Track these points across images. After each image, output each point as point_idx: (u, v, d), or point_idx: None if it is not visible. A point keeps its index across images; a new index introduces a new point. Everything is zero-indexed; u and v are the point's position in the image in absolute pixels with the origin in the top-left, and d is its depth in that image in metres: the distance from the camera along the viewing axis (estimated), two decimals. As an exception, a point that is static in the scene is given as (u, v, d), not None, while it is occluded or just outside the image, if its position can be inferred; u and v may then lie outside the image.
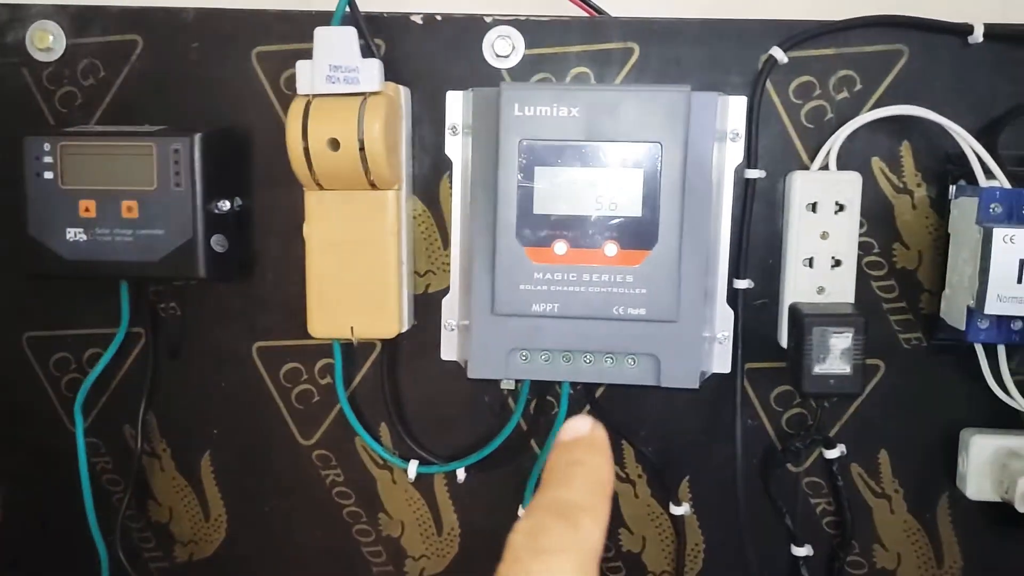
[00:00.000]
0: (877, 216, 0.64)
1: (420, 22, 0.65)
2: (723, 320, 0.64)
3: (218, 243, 0.64)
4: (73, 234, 0.64)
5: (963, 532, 0.67)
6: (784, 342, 0.64)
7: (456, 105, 0.62)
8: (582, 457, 0.30)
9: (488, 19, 0.65)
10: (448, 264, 0.67)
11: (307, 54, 0.60)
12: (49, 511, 0.72)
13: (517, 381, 0.65)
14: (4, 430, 0.71)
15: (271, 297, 0.68)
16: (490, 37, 0.64)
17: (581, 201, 0.58)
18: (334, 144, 0.60)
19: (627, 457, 0.68)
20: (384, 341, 0.67)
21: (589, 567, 0.28)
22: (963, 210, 0.61)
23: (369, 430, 0.68)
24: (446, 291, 0.64)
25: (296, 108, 0.61)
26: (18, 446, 0.71)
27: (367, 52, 0.62)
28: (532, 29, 0.64)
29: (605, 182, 0.58)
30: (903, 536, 0.68)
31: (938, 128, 0.61)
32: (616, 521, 0.69)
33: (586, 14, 0.66)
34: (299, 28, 0.65)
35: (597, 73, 0.65)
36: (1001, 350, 0.62)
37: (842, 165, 0.64)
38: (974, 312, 0.59)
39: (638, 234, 0.58)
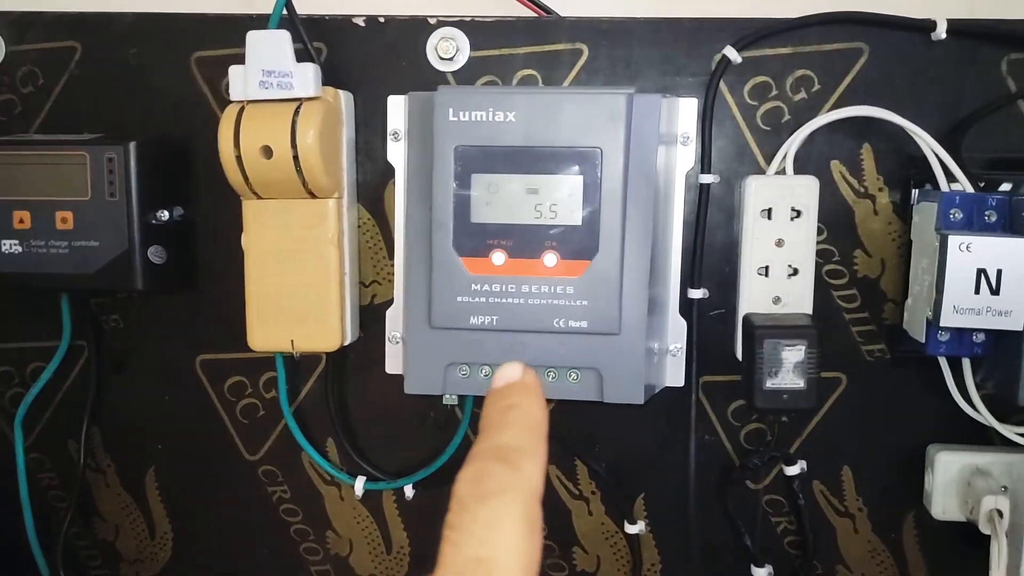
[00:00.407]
0: (837, 222, 0.62)
1: (363, 24, 0.63)
2: (676, 332, 0.62)
3: (156, 254, 0.63)
4: (8, 246, 0.62)
5: (930, 553, 0.64)
6: (741, 354, 0.61)
7: (397, 110, 0.61)
8: (516, 401, 0.31)
9: (432, 20, 0.62)
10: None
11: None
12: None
13: (460, 396, 0.63)
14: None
15: (215, 309, 0.66)
16: (433, 39, 0.62)
17: (519, 209, 0.56)
18: (267, 152, 0.58)
19: (580, 474, 0.66)
20: (329, 354, 0.65)
21: (533, 506, 0.28)
22: (924, 216, 0.58)
23: (315, 445, 0.66)
24: (392, 302, 0.62)
25: (229, 115, 0.59)
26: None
27: (305, 56, 0.60)
28: (476, 30, 0.62)
29: (544, 189, 0.55)
30: (868, 557, 0.65)
31: (900, 130, 0.58)
32: (570, 539, 0.67)
33: (533, 14, 0.63)
34: (239, 32, 0.62)
35: (545, 75, 0.62)
36: (966, 363, 0.59)
37: (800, 169, 0.61)
38: (932, 324, 0.56)
39: (578, 243, 0.55)
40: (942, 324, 0.54)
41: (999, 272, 0.53)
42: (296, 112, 0.58)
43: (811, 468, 0.63)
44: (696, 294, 0.62)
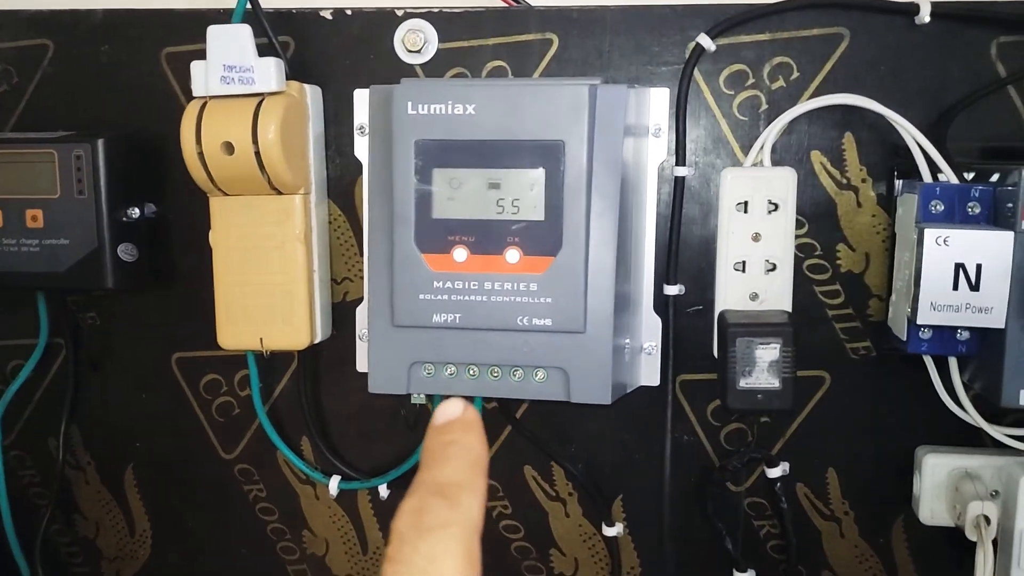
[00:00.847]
0: (819, 215, 0.59)
1: (330, 17, 0.62)
2: (650, 329, 0.60)
3: (126, 252, 0.62)
4: (-20, 244, 0.62)
5: (921, 559, 0.62)
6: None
7: (364, 104, 0.59)
8: (456, 438, 0.31)
9: (399, 12, 0.61)
10: (365, 271, 0.64)
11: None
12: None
13: (428, 395, 0.62)
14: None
15: (189, 307, 0.66)
16: (401, 31, 0.61)
17: (481, 204, 0.54)
18: (228, 148, 0.57)
19: (557, 475, 0.64)
20: (302, 352, 0.64)
21: (472, 540, 0.29)
22: (907, 208, 0.56)
23: (290, 444, 0.66)
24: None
25: (191, 111, 0.58)
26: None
27: (270, 51, 0.59)
28: (444, 21, 0.61)
29: (506, 184, 0.54)
30: (855, 562, 0.62)
31: (883, 118, 0.56)
32: (547, 541, 0.65)
33: (503, 4, 0.62)
34: (208, 26, 0.62)
35: (515, 67, 0.61)
36: (952, 362, 0.56)
37: (779, 160, 0.59)
38: (911, 322, 0.53)
39: (542, 239, 0.54)
40: (919, 321, 0.52)
41: (979, 267, 0.51)
42: (258, 107, 0.57)
43: (795, 470, 0.61)
44: (672, 290, 0.60)
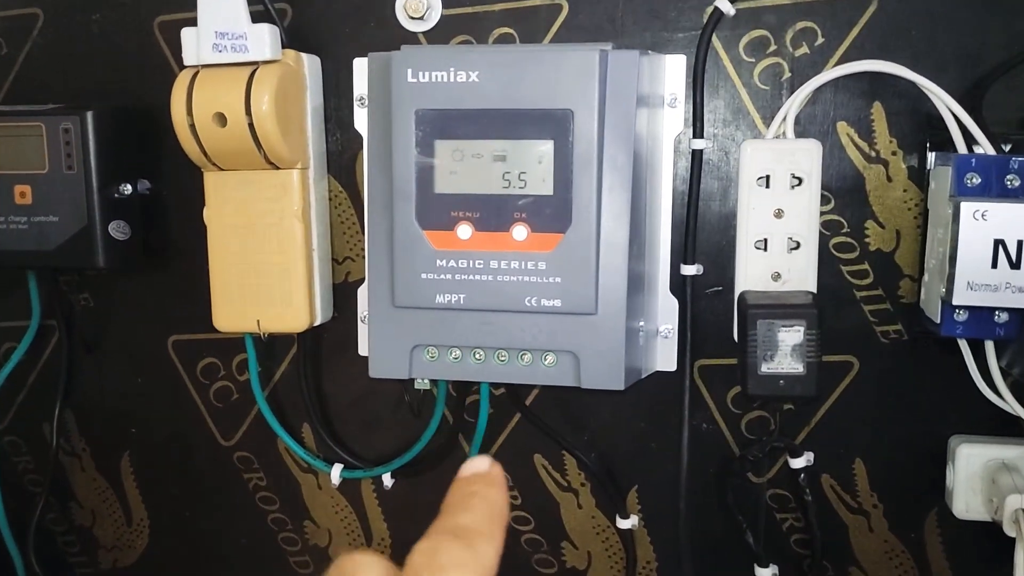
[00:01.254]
0: (846, 190, 0.56)
1: (329, -17, 0.59)
2: (666, 311, 0.57)
3: (118, 230, 0.60)
4: (-33, 221, 0.60)
5: (955, 555, 0.58)
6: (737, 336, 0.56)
7: (364, 74, 0.56)
8: (479, 490, 0.32)
9: (402, -24, 0.58)
10: (368, 250, 0.61)
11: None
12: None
13: (432, 380, 0.59)
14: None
15: (185, 287, 0.63)
16: (403, -3, 0.58)
17: (486, 178, 0.51)
18: (220, 119, 0.55)
19: (569, 464, 0.61)
20: (302, 335, 0.62)
21: None
22: (940, 182, 0.52)
23: (290, 431, 0.63)
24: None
25: (181, 80, 0.55)
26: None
27: (265, 17, 0.56)
28: (448, -14, 0.58)
29: (512, 156, 0.51)
30: (884, 558, 0.59)
31: (915, 86, 0.52)
32: (559, 534, 0.62)
33: (511, -33, 0.58)
34: (202, -6, 0.60)
35: (522, 34, 0.57)
36: (989, 345, 0.53)
37: (803, 132, 0.55)
38: (946, 302, 0.50)
39: (550, 215, 0.51)
40: (954, 302, 0.48)
41: (1019, 243, 0.47)
42: (251, 76, 0.54)
43: (820, 460, 0.58)
44: (689, 270, 0.56)
